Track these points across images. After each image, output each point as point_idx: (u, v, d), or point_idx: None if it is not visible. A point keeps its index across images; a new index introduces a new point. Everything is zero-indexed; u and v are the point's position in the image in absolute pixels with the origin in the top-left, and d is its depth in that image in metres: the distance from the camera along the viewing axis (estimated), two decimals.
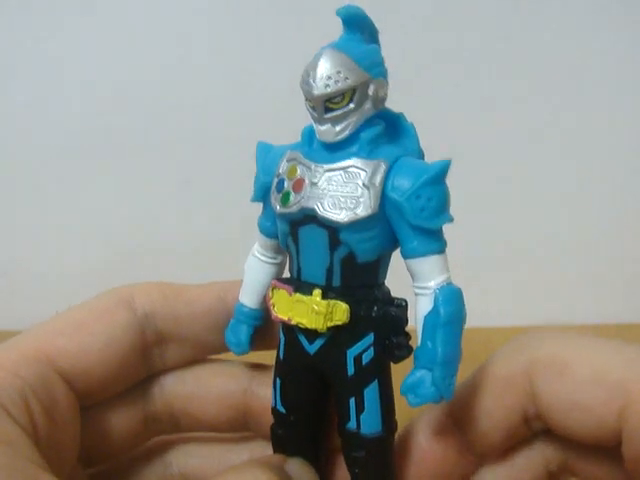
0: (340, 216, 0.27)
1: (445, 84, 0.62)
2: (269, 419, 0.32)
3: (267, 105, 0.61)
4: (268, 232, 0.31)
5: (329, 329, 0.28)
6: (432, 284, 0.27)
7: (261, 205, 0.31)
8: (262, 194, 0.30)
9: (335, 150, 0.27)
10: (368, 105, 0.27)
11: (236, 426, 0.35)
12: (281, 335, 0.30)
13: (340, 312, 0.28)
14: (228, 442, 0.36)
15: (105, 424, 0.33)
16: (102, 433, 0.33)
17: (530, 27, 0.62)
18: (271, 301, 0.29)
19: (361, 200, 0.27)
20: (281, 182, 0.28)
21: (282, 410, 0.31)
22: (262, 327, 0.33)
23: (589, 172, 0.62)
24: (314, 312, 0.28)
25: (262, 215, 0.31)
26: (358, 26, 0.27)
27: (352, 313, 0.28)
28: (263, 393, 0.34)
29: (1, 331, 0.40)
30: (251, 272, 0.32)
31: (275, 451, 0.32)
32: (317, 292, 0.28)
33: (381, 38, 0.28)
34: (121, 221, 0.68)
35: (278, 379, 0.31)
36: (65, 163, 0.66)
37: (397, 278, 0.29)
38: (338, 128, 0.27)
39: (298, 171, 0.28)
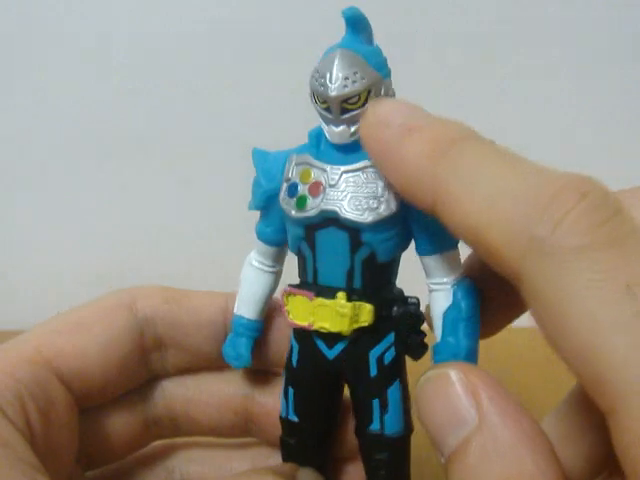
0: (363, 216, 0.26)
1: (447, 80, 0.62)
2: (271, 425, 0.32)
3: (269, 107, 0.60)
4: (269, 239, 0.30)
5: (353, 331, 0.28)
6: (449, 279, 0.28)
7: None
8: (265, 202, 0.29)
9: (348, 151, 0.27)
10: None
11: (237, 431, 0.34)
12: (294, 343, 0.30)
13: (365, 313, 0.27)
14: (230, 448, 0.36)
15: (105, 426, 0.32)
16: (102, 435, 0.32)
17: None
18: (285, 308, 0.29)
19: (382, 200, 0.27)
20: (293, 186, 0.28)
21: (295, 419, 0.30)
22: (261, 339, 0.32)
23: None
24: (339, 315, 0.27)
25: (261, 222, 0.30)
26: (361, 27, 0.27)
27: (375, 313, 0.28)
28: (265, 399, 0.33)
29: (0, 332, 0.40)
30: (248, 282, 0.31)
31: (285, 461, 0.32)
32: (341, 295, 0.27)
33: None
34: (121, 222, 0.67)
35: (291, 388, 0.30)
36: (64, 163, 0.65)
37: None
38: (353, 129, 0.27)
39: (313, 174, 0.27)
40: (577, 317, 0.19)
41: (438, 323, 0.28)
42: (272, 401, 0.33)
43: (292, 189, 0.28)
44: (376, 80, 0.26)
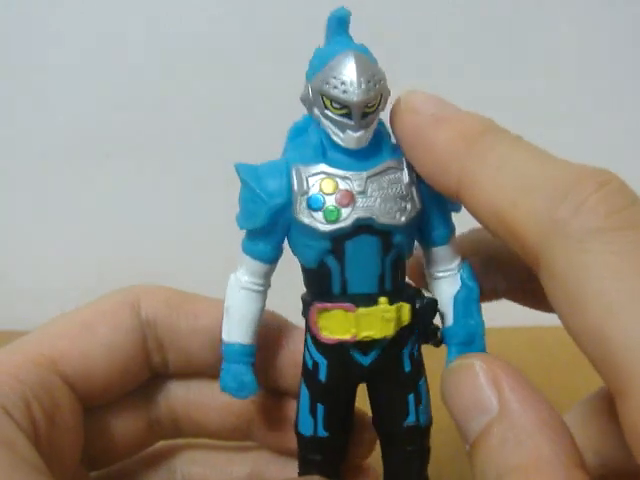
0: (396, 219, 0.26)
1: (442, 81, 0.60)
2: (273, 429, 0.32)
3: (269, 107, 0.57)
4: (268, 258, 0.28)
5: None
6: (455, 264, 0.29)
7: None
8: (270, 219, 0.27)
9: (361, 156, 0.27)
10: (384, 106, 0.27)
11: (238, 434, 0.34)
12: (319, 359, 0.28)
13: (405, 313, 0.28)
14: (232, 451, 0.36)
15: (109, 427, 0.33)
16: (106, 435, 0.32)
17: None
18: (317, 326, 0.27)
19: (408, 199, 0.27)
20: (315, 199, 0.26)
21: (324, 434, 0.29)
22: (267, 363, 0.31)
23: None
24: (385, 320, 0.27)
25: (261, 241, 0.28)
26: (347, 28, 0.27)
27: (412, 311, 0.28)
28: (267, 403, 0.33)
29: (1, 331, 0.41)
30: (240, 306, 0.29)
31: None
32: (384, 300, 0.27)
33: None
34: (122, 221, 0.66)
35: (320, 405, 0.29)
36: (65, 163, 0.65)
37: None
38: (368, 133, 0.26)
39: (337, 184, 0.26)
40: (592, 296, 0.20)
41: (447, 308, 0.29)
42: (274, 405, 0.32)
43: (315, 202, 0.26)
44: (385, 80, 0.26)
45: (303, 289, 0.29)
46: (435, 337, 0.29)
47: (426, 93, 0.26)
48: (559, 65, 0.65)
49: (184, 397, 0.34)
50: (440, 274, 0.29)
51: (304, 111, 0.28)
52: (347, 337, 0.27)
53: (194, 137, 0.65)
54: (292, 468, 0.32)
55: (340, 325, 0.27)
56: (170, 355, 0.33)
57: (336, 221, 0.26)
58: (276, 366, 0.31)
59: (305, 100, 0.27)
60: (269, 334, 0.31)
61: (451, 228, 0.29)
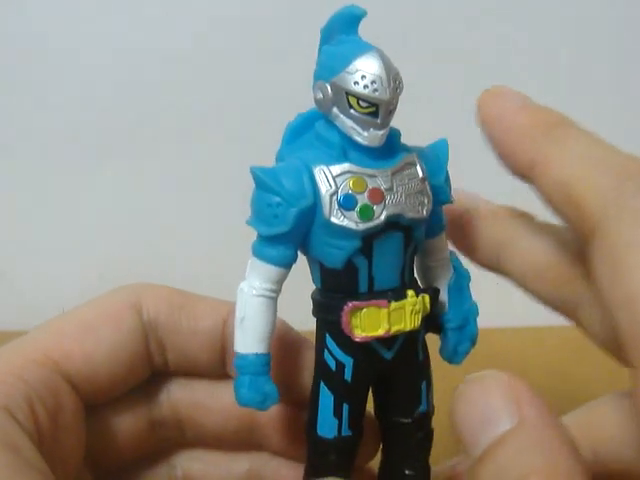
0: (420, 212, 0.27)
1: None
2: (275, 431, 0.32)
3: (270, 106, 0.53)
4: (288, 261, 0.28)
5: None
6: (446, 253, 0.31)
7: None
8: (295, 222, 0.26)
9: (381, 153, 0.27)
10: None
11: (241, 437, 0.34)
12: (343, 359, 0.28)
13: (427, 303, 0.28)
14: (231, 451, 0.35)
15: (112, 427, 0.32)
16: (109, 436, 0.32)
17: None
18: (350, 325, 0.27)
19: (424, 192, 0.28)
20: (347, 199, 0.26)
21: (349, 433, 0.29)
22: (285, 373, 0.30)
23: None
24: (414, 312, 0.28)
25: (279, 245, 0.27)
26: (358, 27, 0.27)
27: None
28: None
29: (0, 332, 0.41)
30: (257, 315, 0.27)
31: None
32: (411, 293, 0.28)
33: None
34: (122, 222, 0.66)
35: (346, 405, 0.29)
36: (64, 161, 0.65)
37: None
38: (387, 131, 0.27)
39: (366, 182, 0.26)
40: (635, 266, 0.22)
41: (443, 295, 0.31)
42: (277, 408, 0.32)
43: (348, 201, 0.26)
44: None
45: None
46: (437, 324, 0.31)
47: (511, 88, 0.29)
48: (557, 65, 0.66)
49: (188, 398, 0.34)
50: (433, 263, 0.31)
51: (304, 110, 0.28)
52: (381, 333, 0.27)
53: (194, 137, 0.65)
54: (290, 465, 0.34)
55: (373, 322, 0.27)
56: (170, 355, 0.33)
57: (371, 219, 0.26)
58: (290, 373, 0.31)
59: (322, 101, 0.27)
60: (278, 341, 0.30)
61: (445, 219, 0.30)
